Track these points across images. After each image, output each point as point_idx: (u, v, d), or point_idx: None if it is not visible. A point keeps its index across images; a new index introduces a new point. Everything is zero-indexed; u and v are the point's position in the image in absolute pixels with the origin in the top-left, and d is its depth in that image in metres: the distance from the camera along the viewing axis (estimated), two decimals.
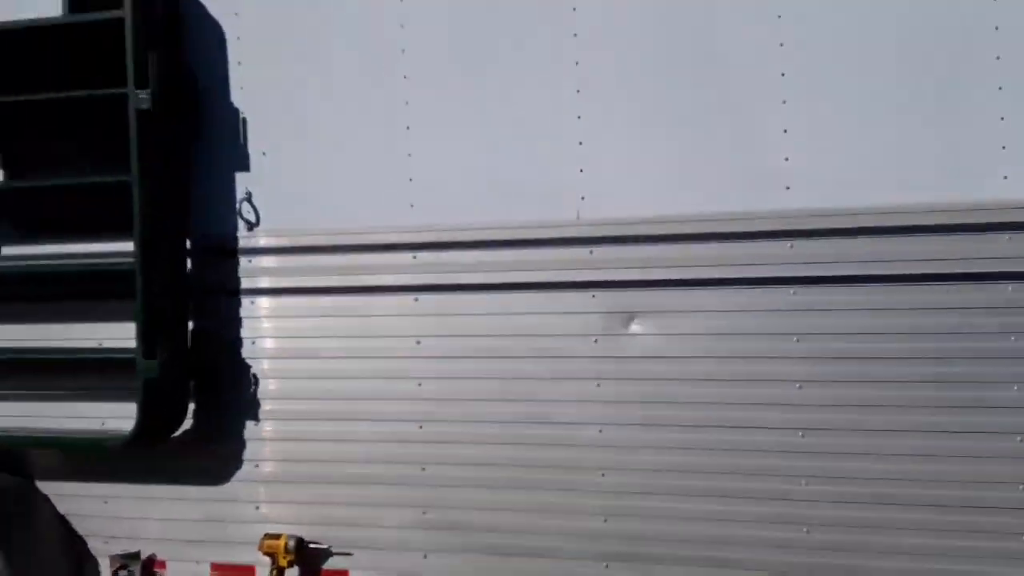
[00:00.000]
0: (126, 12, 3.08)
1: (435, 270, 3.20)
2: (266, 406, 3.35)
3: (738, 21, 2.91)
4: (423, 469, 3.21)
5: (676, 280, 2.96)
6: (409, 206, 3.21)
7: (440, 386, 3.19)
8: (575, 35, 3.04)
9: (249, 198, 3.35)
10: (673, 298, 2.97)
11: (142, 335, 3.11)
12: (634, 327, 3.00)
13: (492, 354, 3.15)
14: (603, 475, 3.03)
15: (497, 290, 3.14)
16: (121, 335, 3.37)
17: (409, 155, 3.21)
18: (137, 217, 3.10)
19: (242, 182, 3.36)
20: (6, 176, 3.59)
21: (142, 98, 3.07)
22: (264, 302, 3.35)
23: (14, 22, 3.23)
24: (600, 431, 3.03)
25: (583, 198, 3.04)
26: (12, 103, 3.39)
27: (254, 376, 3.34)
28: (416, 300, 3.22)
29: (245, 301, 3.36)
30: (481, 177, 3.14)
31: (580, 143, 3.04)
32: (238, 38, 3.35)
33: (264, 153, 3.34)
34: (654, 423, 2.98)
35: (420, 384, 3.21)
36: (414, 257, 3.21)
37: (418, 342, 3.21)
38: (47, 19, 3.22)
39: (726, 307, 2.91)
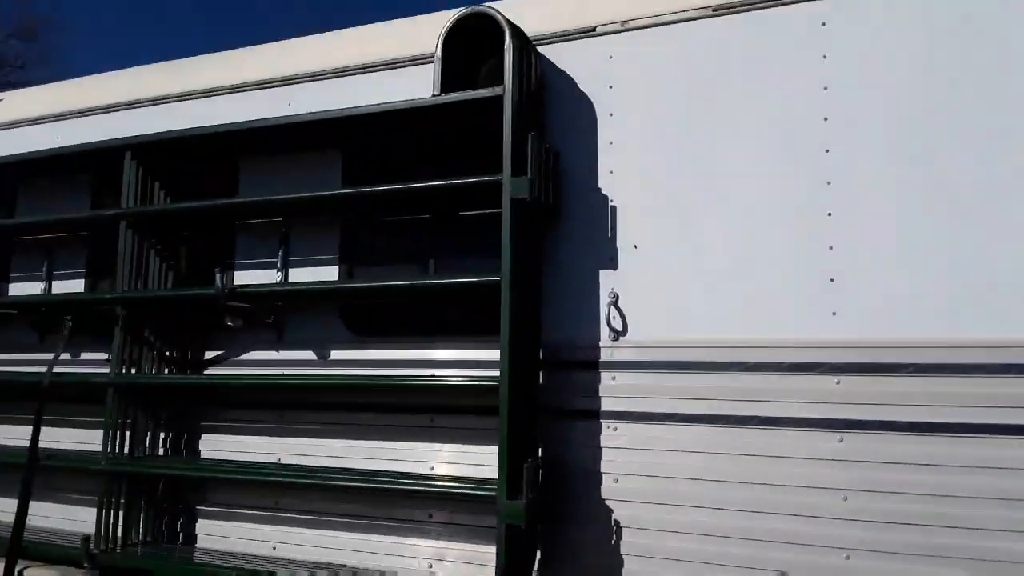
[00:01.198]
0: (505, 89, 2.67)
1: (869, 400, 2.39)
2: (632, 565, 2.63)
3: None
4: None
5: None
6: (830, 314, 2.46)
7: (881, 565, 2.31)
8: None
9: (615, 301, 2.75)
10: None
11: (506, 469, 2.54)
12: None
13: (960, 524, 2.24)
14: None
15: (969, 433, 2.26)
16: (452, 459, 2.91)
17: (831, 248, 2.47)
18: (507, 325, 2.59)
19: (607, 282, 2.78)
20: (345, 272, 3.28)
21: (521, 186, 2.60)
22: (631, 430, 2.69)
23: (383, 104, 2.94)
24: None
25: None
26: (358, 195, 3.11)
27: (616, 524, 2.66)
28: (841, 441, 2.41)
29: (606, 427, 2.72)
30: (943, 274, 2.34)
31: None
32: (610, 114, 2.84)
33: (635, 247, 2.76)
34: None
35: (848, 557, 2.36)
36: (838, 382, 2.43)
37: (845, 499, 2.39)
38: (418, 100, 2.89)
39: None
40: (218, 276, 3.20)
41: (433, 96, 2.85)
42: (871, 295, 2.41)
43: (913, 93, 2.43)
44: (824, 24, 2.54)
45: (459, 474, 2.88)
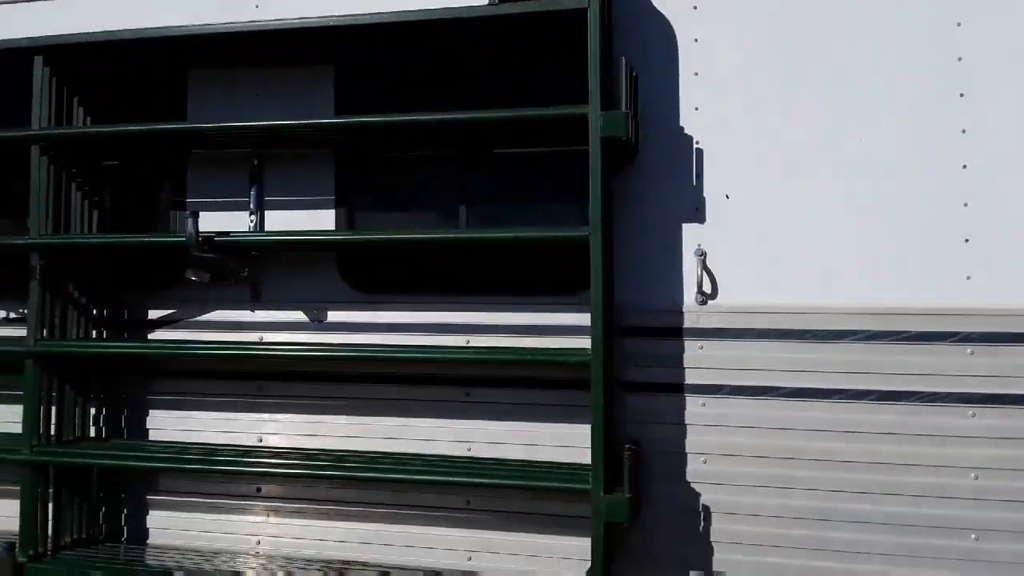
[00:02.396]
0: (591, 3, 2.21)
1: (1005, 372, 2.20)
2: (722, 554, 2.35)
3: None
4: None
5: None
6: (964, 278, 2.24)
7: (1015, 547, 2.17)
8: None
9: (704, 260, 2.40)
10: None
11: (601, 458, 2.17)
12: None
13: None
14: None
15: None
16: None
17: (965, 205, 2.24)
18: (599, 288, 2.21)
19: (692, 236, 2.42)
20: (344, 217, 2.72)
21: (615, 122, 2.17)
22: (722, 406, 2.39)
23: (425, 11, 2.37)
24: None
25: None
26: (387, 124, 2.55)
27: (705, 509, 2.37)
28: (973, 416, 2.22)
29: (693, 402, 2.41)
30: None
31: None
32: (695, 40, 2.44)
33: (727, 197, 2.40)
34: None
35: (976, 538, 2.19)
36: (971, 352, 2.22)
37: (976, 477, 2.20)
38: (479, 9, 2.35)
39: None
40: (189, 221, 2.55)
41: (494, 4, 2.33)
42: (1012, 257, 2.20)
43: None
44: None
45: (505, 456, 2.49)
